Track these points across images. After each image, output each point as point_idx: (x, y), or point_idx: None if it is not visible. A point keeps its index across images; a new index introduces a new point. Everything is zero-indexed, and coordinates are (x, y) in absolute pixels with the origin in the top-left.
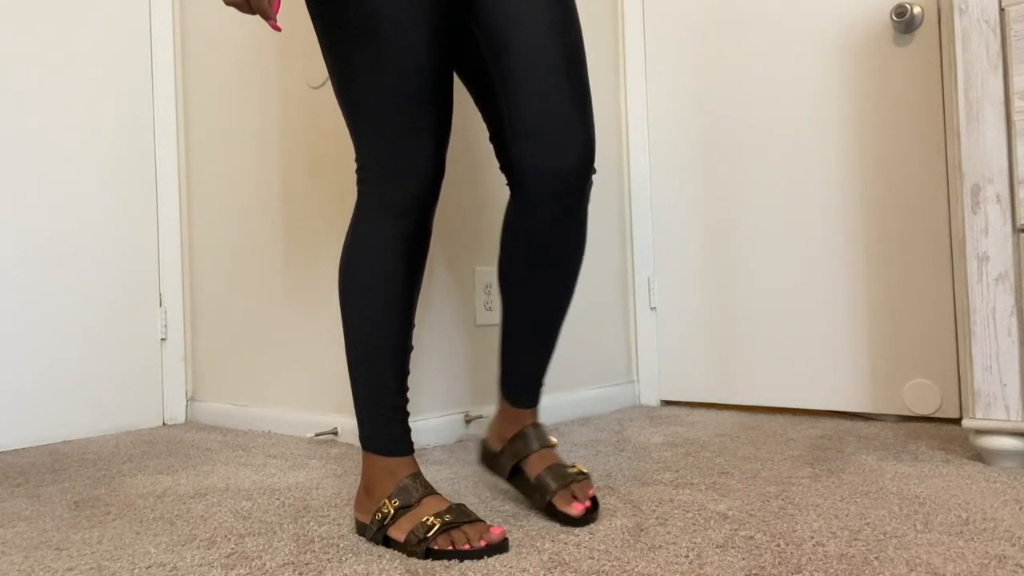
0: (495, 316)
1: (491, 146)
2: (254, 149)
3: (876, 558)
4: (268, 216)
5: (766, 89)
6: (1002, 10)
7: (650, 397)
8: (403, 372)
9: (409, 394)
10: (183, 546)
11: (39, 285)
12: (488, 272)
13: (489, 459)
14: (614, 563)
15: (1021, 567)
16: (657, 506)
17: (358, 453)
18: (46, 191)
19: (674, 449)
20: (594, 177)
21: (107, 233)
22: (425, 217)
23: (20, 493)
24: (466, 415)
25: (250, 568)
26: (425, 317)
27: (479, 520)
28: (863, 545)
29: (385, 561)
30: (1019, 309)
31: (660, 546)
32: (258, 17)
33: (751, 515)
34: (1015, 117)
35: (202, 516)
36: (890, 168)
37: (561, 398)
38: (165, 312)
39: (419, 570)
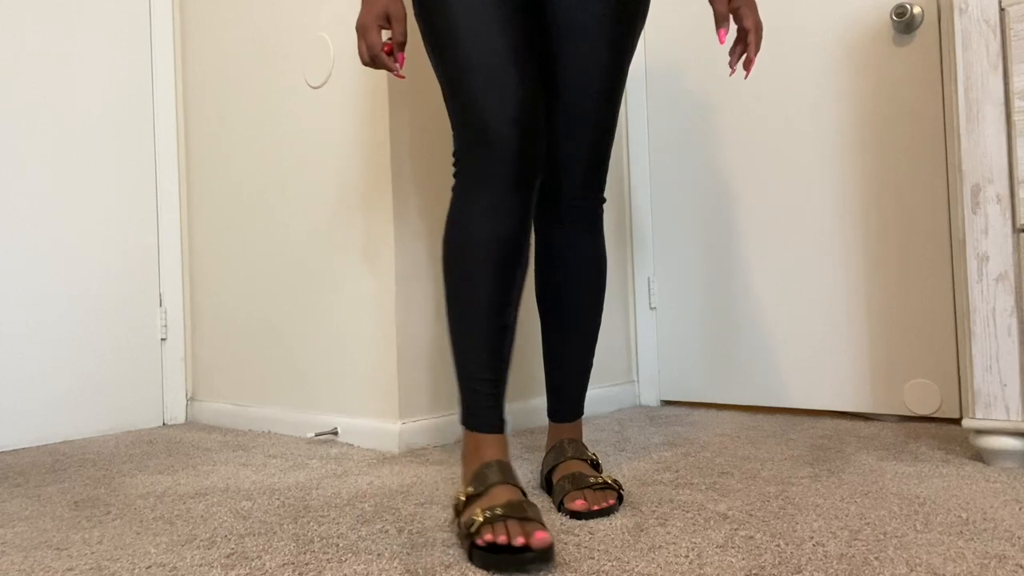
0: None
1: None
2: (254, 149)
3: (876, 558)
4: (268, 216)
5: (766, 89)
6: (1002, 10)
7: (650, 397)
8: (494, 349)
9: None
10: (183, 546)
11: (39, 285)
12: None
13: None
14: (614, 563)
15: (1021, 567)
16: (657, 506)
17: (358, 453)
18: (46, 191)
19: (674, 449)
20: None
21: (107, 233)
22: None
23: (20, 493)
24: None
25: (250, 568)
26: (430, 318)
27: (531, 519)
28: (863, 545)
29: (385, 561)
30: (1019, 309)
31: (660, 546)
32: (258, 17)
33: (751, 515)
34: (1015, 117)
35: (202, 516)
36: (890, 168)
37: None
38: (165, 312)
39: (419, 570)
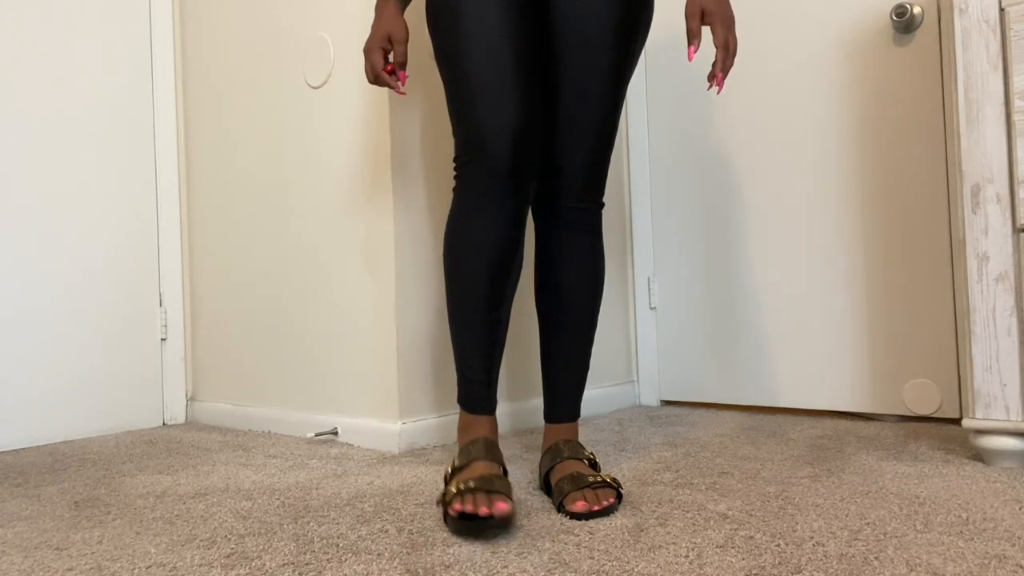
0: None
1: None
2: (254, 149)
3: (876, 558)
4: (268, 216)
5: (766, 89)
6: (1002, 10)
7: (650, 397)
8: (486, 340)
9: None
10: (183, 546)
11: (39, 285)
12: None
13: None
14: (614, 563)
15: (1021, 567)
16: (657, 506)
17: (358, 453)
18: (46, 191)
19: (674, 449)
20: None
21: (107, 233)
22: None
23: (20, 493)
24: None
25: (250, 568)
26: (430, 318)
27: (498, 492)
28: (863, 545)
29: (385, 561)
30: (1019, 309)
31: (660, 546)
32: (258, 17)
33: (751, 515)
34: (1015, 117)
35: (202, 516)
36: (890, 168)
37: None
38: (165, 312)
39: (419, 570)
